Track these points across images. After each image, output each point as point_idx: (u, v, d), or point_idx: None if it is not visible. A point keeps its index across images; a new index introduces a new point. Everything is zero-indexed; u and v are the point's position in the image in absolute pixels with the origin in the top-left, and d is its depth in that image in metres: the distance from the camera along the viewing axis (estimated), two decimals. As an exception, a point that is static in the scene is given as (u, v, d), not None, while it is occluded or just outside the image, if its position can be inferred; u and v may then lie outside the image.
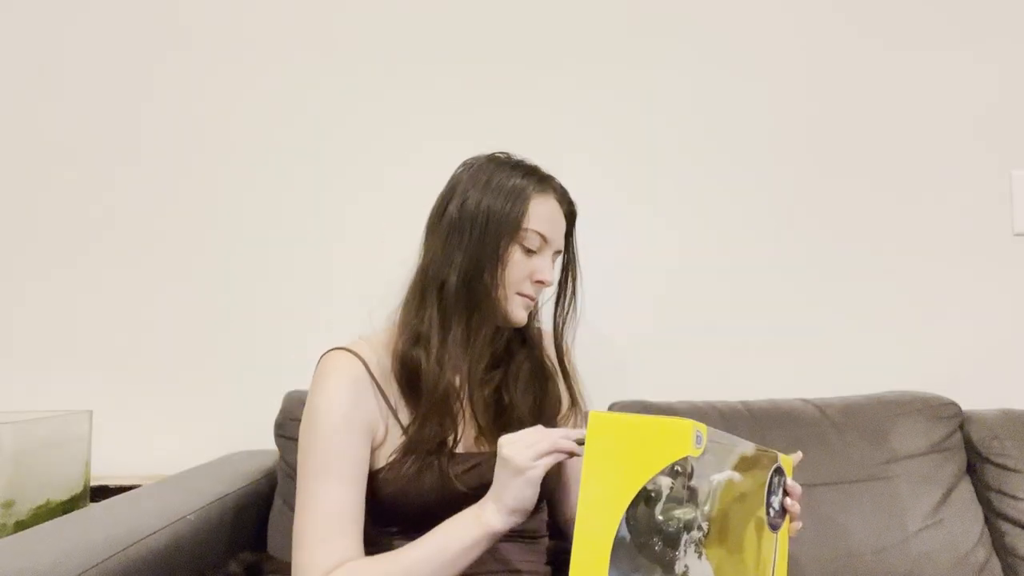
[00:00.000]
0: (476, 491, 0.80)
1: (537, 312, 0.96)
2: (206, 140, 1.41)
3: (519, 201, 0.85)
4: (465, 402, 0.86)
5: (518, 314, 0.88)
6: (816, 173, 1.41)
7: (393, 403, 0.84)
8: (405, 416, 0.84)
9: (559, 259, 0.93)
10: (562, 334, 0.95)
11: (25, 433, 1.11)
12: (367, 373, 0.83)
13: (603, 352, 1.35)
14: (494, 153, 0.91)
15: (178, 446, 1.33)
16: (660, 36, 1.43)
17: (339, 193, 1.40)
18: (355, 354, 0.84)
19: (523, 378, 0.91)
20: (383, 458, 0.82)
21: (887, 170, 1.41)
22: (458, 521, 0.73)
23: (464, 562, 0.72)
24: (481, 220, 0.84)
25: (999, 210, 1.40)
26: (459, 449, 0.84)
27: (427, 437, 0.81)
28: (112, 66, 1.42)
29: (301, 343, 1.33)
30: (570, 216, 0.93)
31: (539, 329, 0.97)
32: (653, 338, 1.38)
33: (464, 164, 0.91)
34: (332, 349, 0.86)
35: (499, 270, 0.84)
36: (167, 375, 1.37)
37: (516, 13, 1.42)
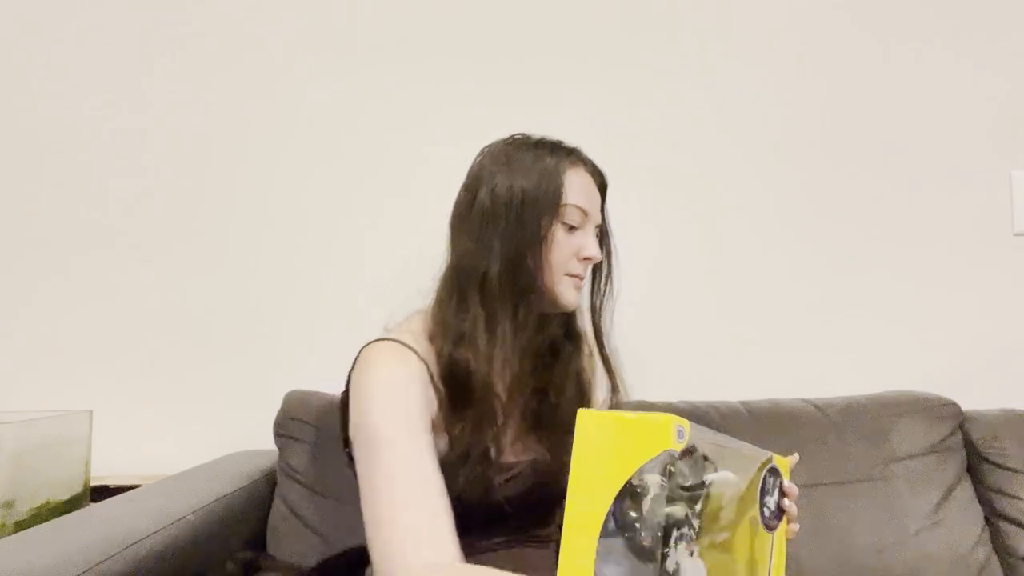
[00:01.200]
0: (514, 502, 0.77)
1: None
2: (206, 141, 1.41)
3: (554, 177, 0.81)
4: (506, 399, 0.81)
5: (569, 296, 0.83)
6: (816, 174, 1.41)
7: (444, 402, 0.78)
8: (452, 419, 0.78)
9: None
10: (600, 315, 0.90)
11: (25, 433, 1.11)
12: (423, 364, 0.78)
13: (603, 352, 1.35)
14: (511, 136, 0.87)
15: (178, 446, 1.33)
16: (657, 31, 1.43)
17: (339, 194, 1.40)
18: (407, 346, 0.78)
19: (571, 378, 0.87)
20: None
21: (887, 170, 1.41)
22: None
23: None
24: (516, 203, 0.79)
25: (999, 210, 1.40)
26: (501, 457, 0.79)
27: (476, 444, 0.76)
28: (124, 63, 1.42)
29: (301, 343, 1.33)
30: (602, 188, 0.89)
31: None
32: (653, 338, 1.38)
33: (482, 152, 0.86)
34: (377, 340, 0.80)
35: (543, 252, 0.80)
36: (167, 375, 1.37)
37: (512, 12, 1.42)
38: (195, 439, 1.34)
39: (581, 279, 0.84)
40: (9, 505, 1.07)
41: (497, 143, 0.86)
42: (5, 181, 1.40)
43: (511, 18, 1.42)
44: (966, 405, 1.22)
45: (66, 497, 1.16)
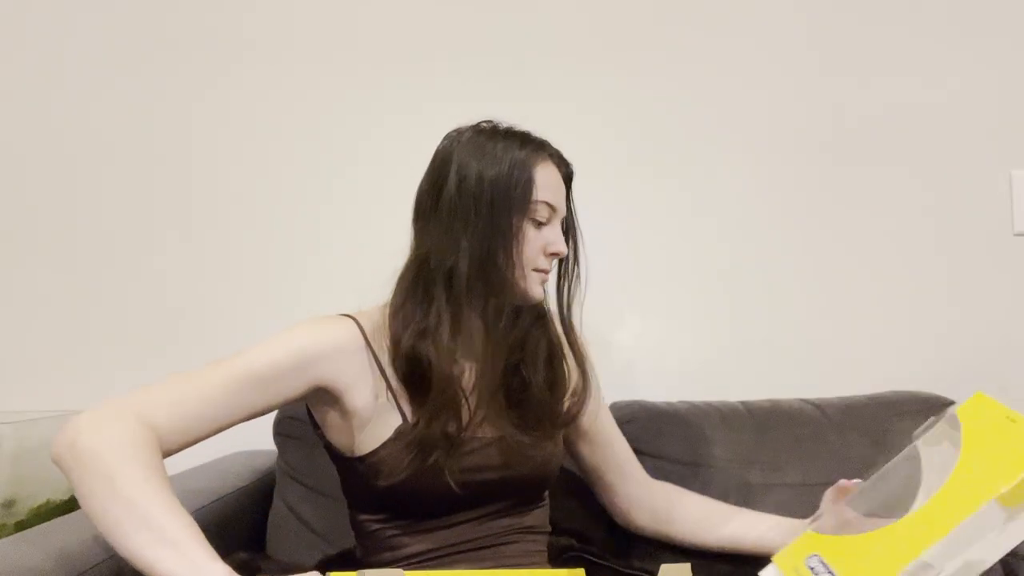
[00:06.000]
0: (467, 485, 0.79)
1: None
2: (204, 141, 1.41)
3: (525, 172, 0.80)
4: (472, 388, 0.82)
5: (536, 291, 0.84)
6: (816, 173, 1.41)
7: (395, 386, 0.81)
8: (407, 404, 0.80)
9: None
10: (570, 306, 0.90)
11: (25, 433, 1.11)
12: (365, 345, 0.82)
13: (603, 352, 1.34)
14: (478, 123, 0.85)
15: (178, 446, 1.33)
16: (653, 29, 1.43)
17: (335, 192, 1.40)
18: (350, 316, 0.83)
19: (541, 356, 0.88)
20: (374, 442, 0.79)
21: (887, 170, 1.41)
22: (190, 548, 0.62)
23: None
24: (487, 198, 0.79)
25: (999, 210, 1.40)
26: (464, 434, 0.81)
27: (434, 432, 0.78)
28: (113, 64, 1.42)
29: (301, 343, 1.33)
30: (567, 178, 0.89)
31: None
32: (653, 338, 1.38)
33: (448, 137, 0.85)
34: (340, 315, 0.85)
35: (514, 248, 0.79)
36: (167, 375, 1.37)
37: (511, 6, 1.42)
38: (195, 439, 1.34)
39: (547, 273, 0.85)
40: (9, 505, 1.07)
41: (464, 129, 0.85)
42: (5, 180, 1.40)
43: (501, 16, 1.43)
44: (966, 405, 1.22)
45: (66, 497, 1.16)
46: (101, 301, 1.38)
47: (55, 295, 1.38)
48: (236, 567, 0.77)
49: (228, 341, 1.36)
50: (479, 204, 0.79)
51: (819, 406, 1.20)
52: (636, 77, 1.42)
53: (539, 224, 0.83)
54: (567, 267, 0.90)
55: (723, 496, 1.04)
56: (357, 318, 0.84)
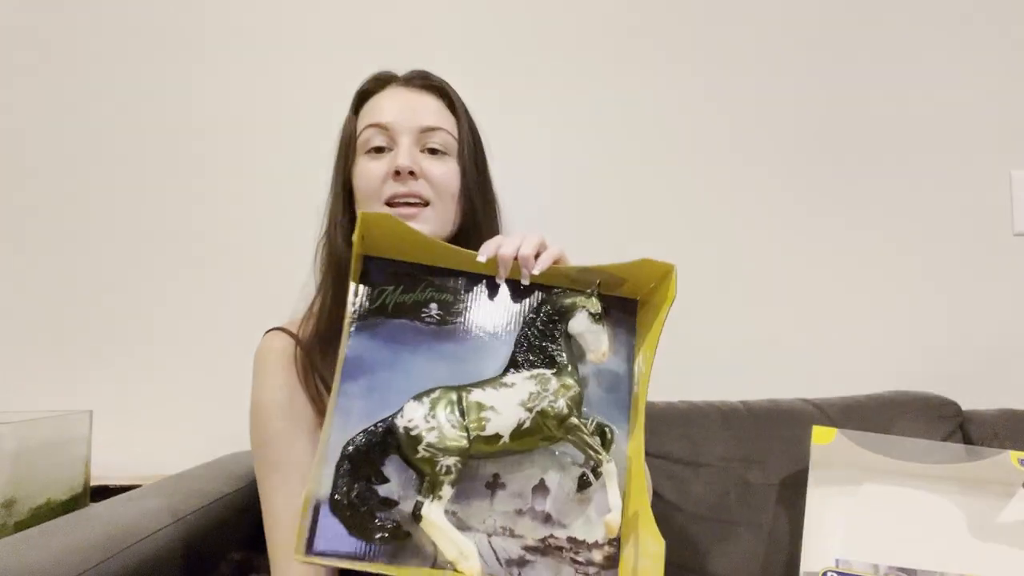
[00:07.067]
0: None
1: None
2: (200, 136, 1.41)
3: (349, 113, 0.79)
4: None
5: None
6: (816, 173, 1.41)
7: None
8: None
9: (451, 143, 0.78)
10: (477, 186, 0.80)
11: (25, 433, 1.10)
12: (287, 344, 0.80)
13: (603, 352, 1.35)
14: None
15: (178, 446, 1.33)
16: (650, 26, 1.43)
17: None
18: (291, 334, 0.80)
19: None
20: None
21: (887, 170, 1.41)
22: None
23: None
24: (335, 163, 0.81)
25: (999, 210, 1.40)
26: None
27: None
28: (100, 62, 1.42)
29: (301, 343, 1.33)
30: (432, 89, 0.79)
31: None
32: (653, 338, 1.37)
33: None
34: (270, 329, 0.82)
35: (355, 191, 0.77)
36: (167, 375, 1.37)
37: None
38: (195, 439, 1.34)
39: (408, 203, 0.75)
40: (9, 505, 1.07)
41: None
42: (3, 178, 1.40)
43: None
44: (966, 405, 1.22)
45: (66, 497, 1.16)
46: (102, 301, 1.38)
47: (55, 295, 1.38)
48: (234, 567, 0.77)
49: (229, 340, 1.37)
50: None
51: (819, 406, 1.20)
52: (633, 74, 1.42)
53: (379, 151, 0.75)
54: (470, 201, 0.79)
55: (723, 496, 1.04)
56: (285, 326, 0.82)
